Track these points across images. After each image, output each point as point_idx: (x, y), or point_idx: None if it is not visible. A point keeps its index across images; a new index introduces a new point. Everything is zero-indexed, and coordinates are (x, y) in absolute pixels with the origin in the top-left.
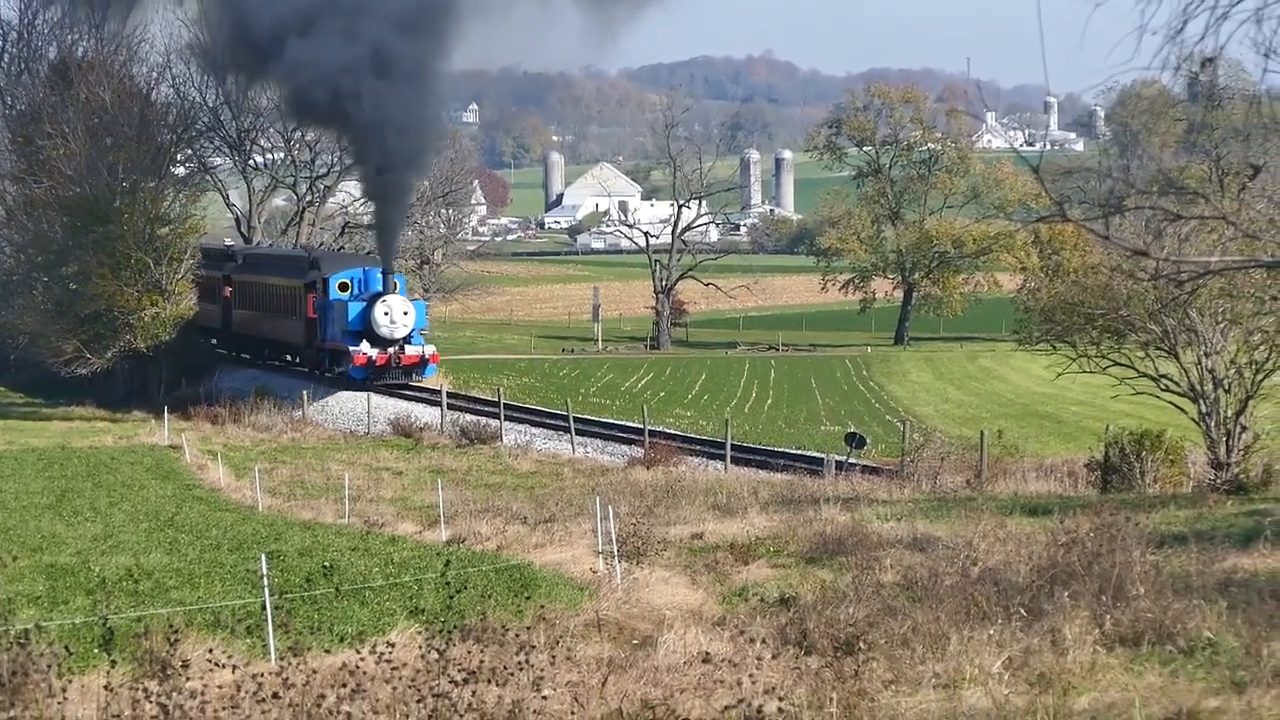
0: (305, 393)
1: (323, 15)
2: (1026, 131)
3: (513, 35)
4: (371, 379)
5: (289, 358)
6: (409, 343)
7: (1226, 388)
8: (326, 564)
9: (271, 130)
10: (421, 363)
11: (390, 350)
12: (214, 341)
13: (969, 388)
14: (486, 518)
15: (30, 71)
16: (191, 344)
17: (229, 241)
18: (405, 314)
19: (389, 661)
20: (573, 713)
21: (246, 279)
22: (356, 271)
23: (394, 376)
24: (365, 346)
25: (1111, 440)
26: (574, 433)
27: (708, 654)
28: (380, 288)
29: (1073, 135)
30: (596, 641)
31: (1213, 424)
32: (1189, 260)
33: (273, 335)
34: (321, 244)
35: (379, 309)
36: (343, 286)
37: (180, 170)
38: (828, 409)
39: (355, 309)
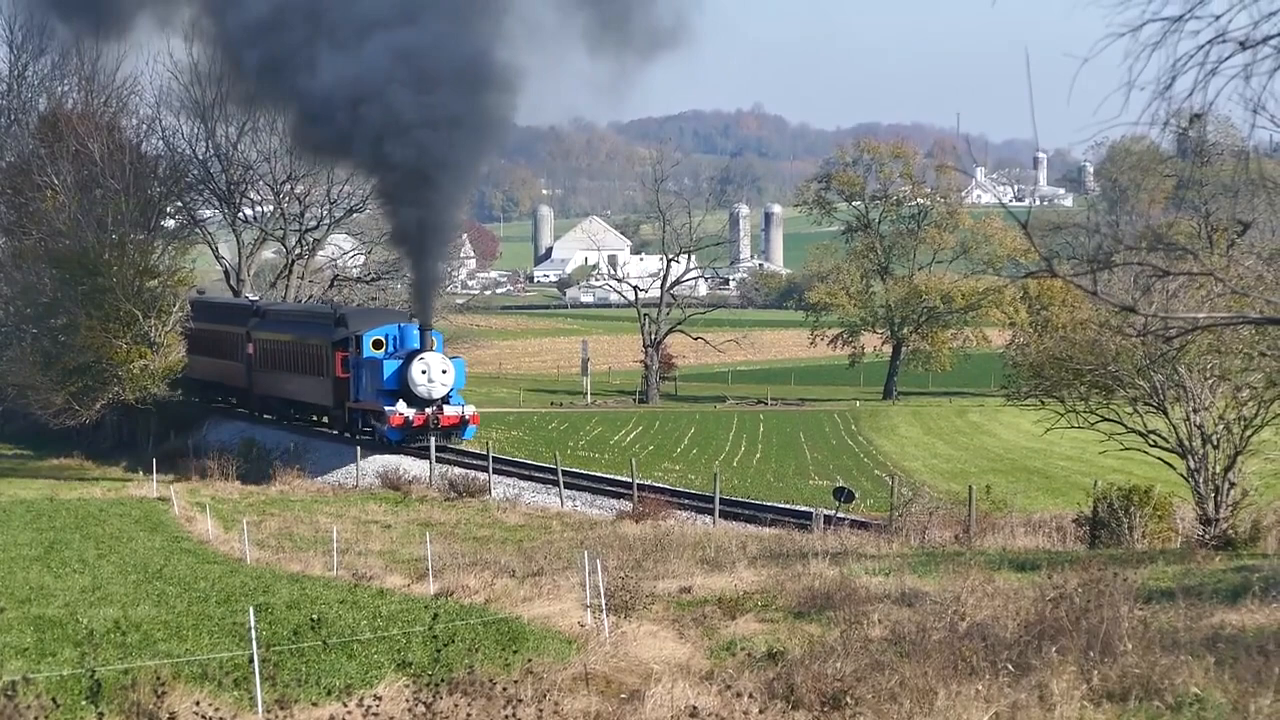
0: (293, 445)
1: (370, 61)
2: (1016, 187)
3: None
4: (408, 441)
5: (316, 418)
6: (447, 402)
7: (1215, 443)
8: (314, 616)
9: (261, 183)
10: (461, 424)
11: (428, 411)
12: (233, 401)
13: (957, 442)
14: (475, 571)
15: (20, 123)
16: (207, 402)
17: (251, 296)
18: (444, 372)
19: (376, 715)
20: None
21: (270, 336)
22: (391, 328)
23: (432, 438)
24: (401, 406)
25: (1100, 495)
26: (562, 486)
27: (695, 708)
28: (417, 344)
29: (1062, 190)
30: (584, 695)
31: (1201, 480)
32: (1177, 316)
33: (300, 396)
34: (310, 297)
35: (416, 367)
36: (376, 344)
37: (170, 223)
38: (816, 463)
39: (390, 367)
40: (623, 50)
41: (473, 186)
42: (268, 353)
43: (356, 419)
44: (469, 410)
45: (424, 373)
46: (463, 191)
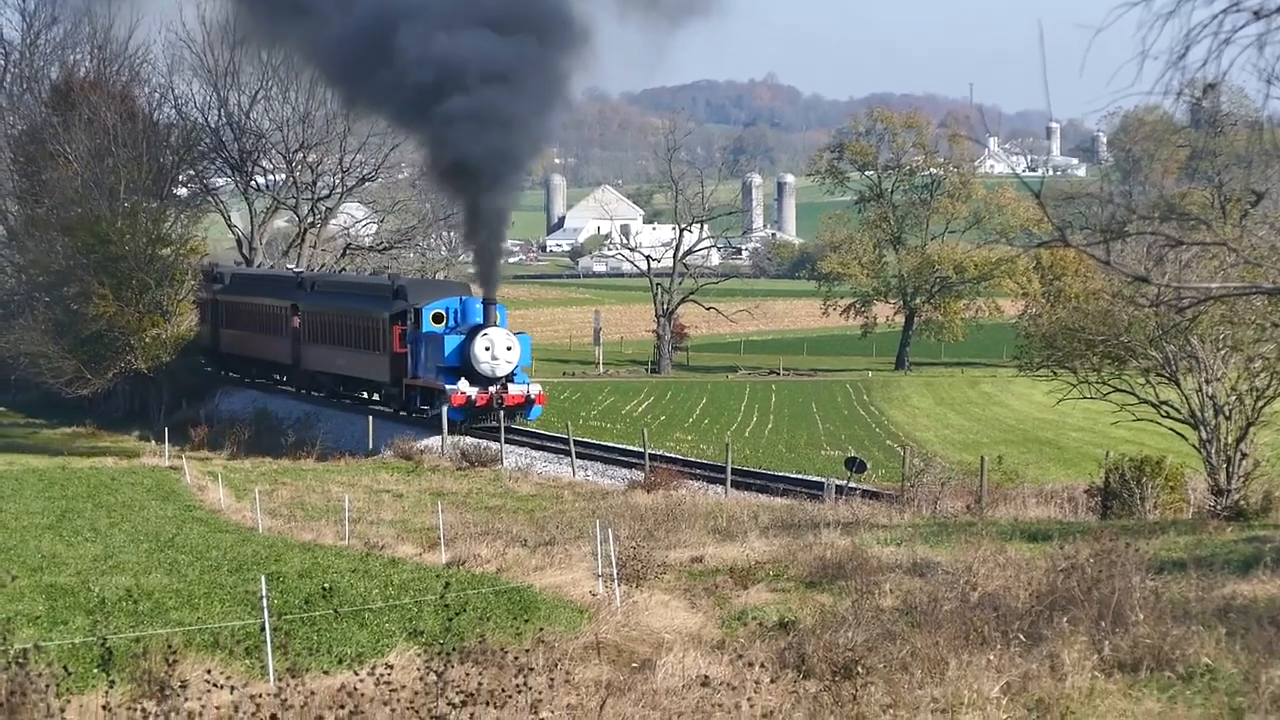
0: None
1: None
2: (1029, 157)
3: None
4: (470, 421)
5: (368, 395)
6: (511, 381)
7: (1227, 414)
8: (326, 585)
9: (273, 151)
10: (526, 403)
11: (491, 389)
12: (277, 377)
13: (969, 413)
14: (486, 540)
15: (32, 92)
16: (249, 378)
17: (293, 266)
18: (509, 349)
19: (388, 683)
20: None
21: (320, 309)
22: (452, 301)
23: (495, 419)
24: (464, 385)
25: (1112, 466)
26: (574, 456)
27: (706, 677)
28: (480, 319)
29: (1075, 160)
30: (595, 664)
31: (1213, 450)
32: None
33: (352, 371)
34: (323, 265)
35: (479, 343)
36: (436, 318)
37: (182, 191)
38: (828, 433)
39: (452, 343)
40: (652, 12)
41: (537, 149)
42: (317, 326)
43: (414, 397)
44: (534, 389)
45: (488, 349)
46: (522, 161)
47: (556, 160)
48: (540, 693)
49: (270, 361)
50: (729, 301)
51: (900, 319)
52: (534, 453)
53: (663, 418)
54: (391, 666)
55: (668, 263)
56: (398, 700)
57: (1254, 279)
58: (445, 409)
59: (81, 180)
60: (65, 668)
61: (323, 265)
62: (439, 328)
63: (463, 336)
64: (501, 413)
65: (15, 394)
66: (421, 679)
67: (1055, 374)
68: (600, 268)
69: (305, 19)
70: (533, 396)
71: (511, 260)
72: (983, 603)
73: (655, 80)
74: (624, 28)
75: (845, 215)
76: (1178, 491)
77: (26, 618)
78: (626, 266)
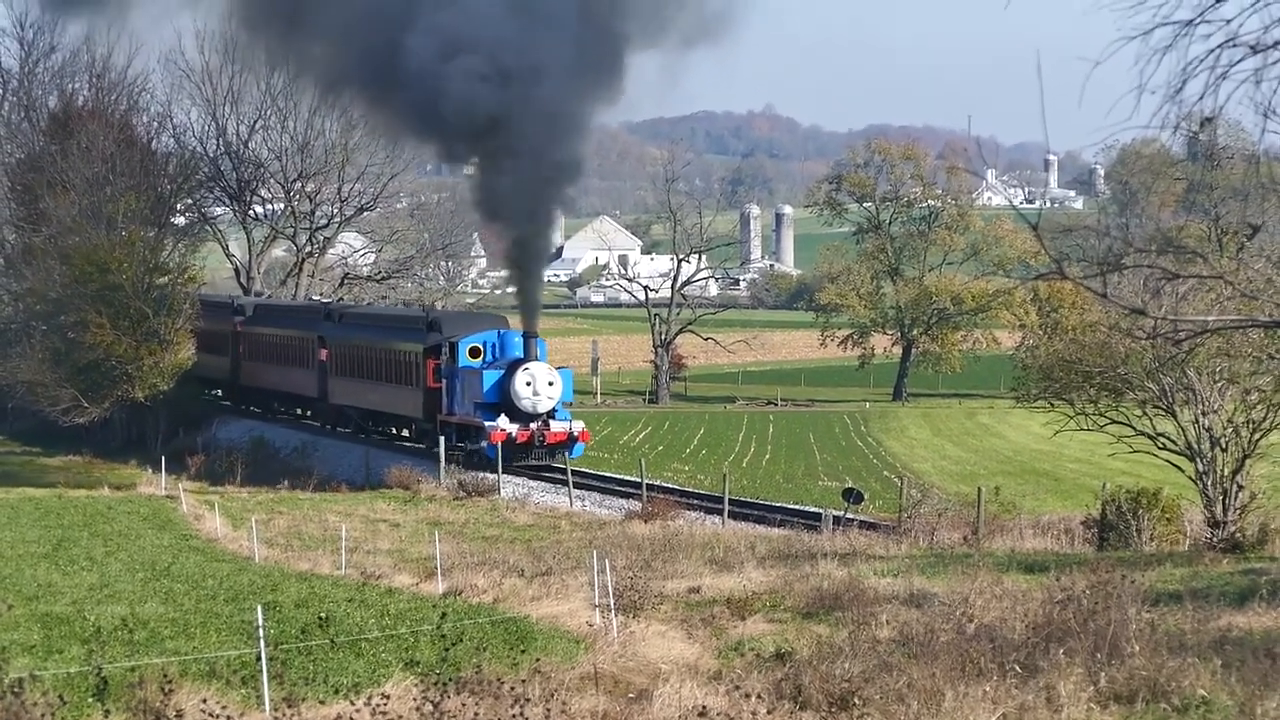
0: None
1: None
2: (1026, 189)
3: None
4: (509, 459)
5: (397, 430)
6: (553, 417)
7: (1224, 446)
8: (322, 615)
9: (272, 181)
10: (569, 441)
11: (533, 426)
12: (307, 413)
13: (967, 444)
14: (483, 570)
15: (30, 120)
16: (271, 412)
17: (317, 296)
18: (550, 384)
19: (384, 713)
20: None
21: (348, 341)
22: (490, 335)
23: (536, 456)
24: (504, 421)
25: (1108, 498)
26: (571, 486)
27: (703, 708)
28: (519, 352)
29: (1072, 193)
30: (592, 695)
31: (1209, 483)
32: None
33: (383, 407)
34: (321, 295)
35: (520, 378)
36: (473, 352)
37: (180, 220)
38: (826, 464)
39: (491, 378)
40: (663, 39)
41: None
42: (345, 359)
43: (450, 434)
44: (578, 426)
45: (529, 384)
46: (564, 191)
47: None
48: None
49: (294, 395)
50: (727, 332)
51: (898, 350)
52: (531, 483)
53: (660, 448)
54: (388, 697)
55: (665, 293)
56: None
57: (1250, 312)
58: (484, 445)
59: (79, 209)
60: (61, 697)
61: (320, 295)
62: (476, 362)
63: (502, 371)
64: (543, 450)
65: (12, 422)
66: (418, 709)
67: (1052, 405)
68: (598, 298)
69: (345, 47)
70: (576, 433)
71: (509, 290)
72: (979, 634)
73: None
74: (638, 56)
75: (843, 246)
76: (1174, 523)
77: (22, 646)
78: (624, 297)
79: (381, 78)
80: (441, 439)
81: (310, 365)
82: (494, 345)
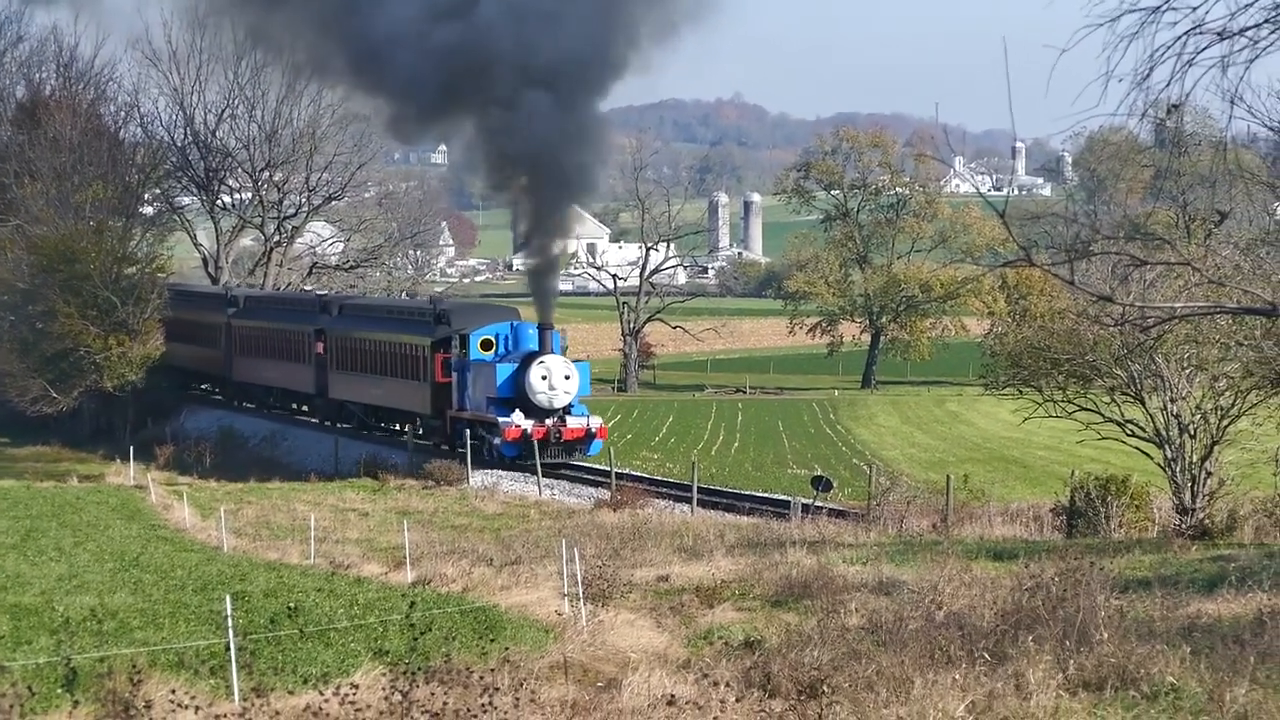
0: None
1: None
2: (994, 176)
3: None
4: (524, 456)
5: (403, 427)
6: (569, 413)
7: (1192, 433)
8: (291, 605)
9: (239, 170)
10: (587, 438)
11: (549, 422)
12: (303, 408)
13: (935, 432)
14: (452, 559)
15: None
16: (278, 407)
17: (308, 287)
18: (567, 378)
19: (353, 703)
20: None
21: (349, 334)
22: (502, 326)
23: (552, 454)
24: (518, 417)
25: (1077, 485)
26: (540, 475)
27: (672, 697)
28: (533, 345)
29: (1040, 180)
30: (561, 684)
31: (1178, 469)
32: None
33: (387, 403)
34: (289, 284)
35: (536, 372)
36: (485, 344)
37: (148, 210)
38: (794, 452)
39: (504, 371)
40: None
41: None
42: (345, 353)
43: (461, 430)
44: (595, 422)
45: (544, 378)
46: (594, 151)
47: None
48: (506, 712)
49: (290, 390)
50: (695, 320)
51: (866, 338)
52: (500, 471)
53: (629, 436)
54: (357, 686)
55: (634, 281)
56: None
57: (1218, 298)
58: (498, 442)
59: (47, 198)
60: (29, 688)
61: (288, 284)
62: (488, 355)
63: (516, 364)
64: (560, 447)
65: None
66: (387, 699)
67: (1021, 393)
68: (566, 286)
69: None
70: (594, 430)
71: (478, 279)
72: (948, 622)
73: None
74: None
75: (811, 234)
76: (1143, 510)
77: None
78: (593, 285)
79: (377, 48)
80: (468, 435)
81: (307, 359)
82: (507, 337)
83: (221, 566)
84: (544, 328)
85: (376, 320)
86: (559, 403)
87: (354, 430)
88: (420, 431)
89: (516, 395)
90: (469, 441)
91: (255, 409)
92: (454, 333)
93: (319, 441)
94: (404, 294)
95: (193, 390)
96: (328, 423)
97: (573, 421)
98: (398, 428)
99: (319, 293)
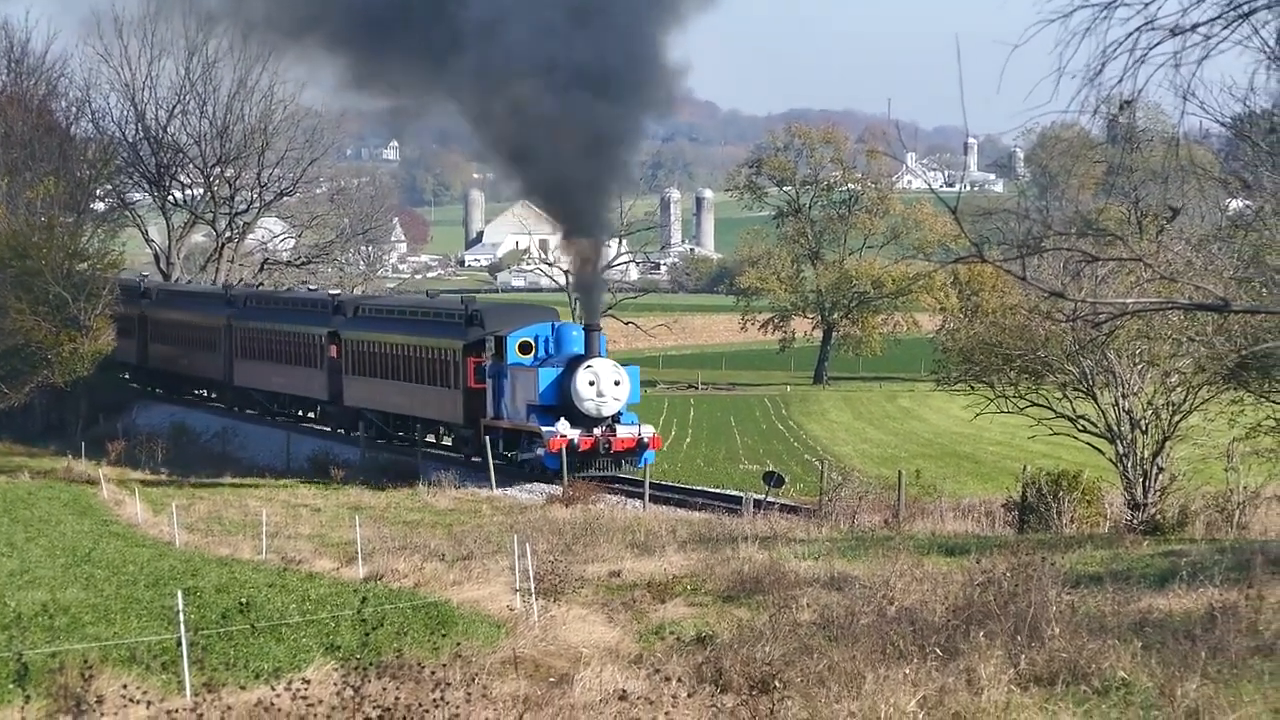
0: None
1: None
2: (946, 172)
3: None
4: (570, 469)
5: (432, 436)
6: (618, 421)
7: (1144, 429)
8: (243, 600)
9: (191, 166)
10: (638, 448)
11: (597, 432)
12: (300, 413)
13: (887, 427)
14: (404, 555)
15: None
16: (283, 414)
17: (312, 287)
18: (617, 384)
19: (304, 698)
20: None
21: (367, 338)
22: (542, 328)
23: (600, 465)
24: (563, 426)
25: (1029, 480)
26: (493, 470)
27: (624, 692)
28: (577, 348)
29: (992, 176)
30: (513, 679)
31: (1130, 465)
32: (1106, 302)
33: (412, 411)
34: (240, 280)
35: (582, 377)
36: (524, 347)
37: (99, 206)
38: (746, 448)
39: (547, 376)
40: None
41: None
42: (363, 358)
43: (496, 440)
44: (648, 431)
45: (592, 384)
46: (633, 140)
47: (475, 175)
48: (458, 707)
49: (299, 397)
50: (647, 316)
51: (818, 334)
52: (452, 467)
53: None
54: (309, 681)
55: None
56: (315, 715)
57: (1170, 294)
58: (541, 453)
59: None
60: None
61: (240, 280)
62: (527, 359)
63: (560, 369)
64: (609, 458)
65: None
66: (339, 694)
67: (973, 388)
68: (519, 282)
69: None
70: (646, 439)
71: (430, 275)
72: (900, 617)
73: None
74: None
75: (763, 230)
76: (1094, 506)
77: None
78: (545, 281)
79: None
80: (487, 443)
81: (319, 364)
82: (548, 340)
83: (173, 562)
84: (590, 329)
85: (399, 322)
86: (608, 410)
87: (369, 439)
88: (450, 441)
89: (561, 402)
90: (501, 452)
91: (258, 415)
92: (488, 335)
93: (269, 437)
94: (426, 292)
95: (190, 396)
96: (341, 430)
97: (622, 430)
98: (419, 436)
99: (332, 292)
